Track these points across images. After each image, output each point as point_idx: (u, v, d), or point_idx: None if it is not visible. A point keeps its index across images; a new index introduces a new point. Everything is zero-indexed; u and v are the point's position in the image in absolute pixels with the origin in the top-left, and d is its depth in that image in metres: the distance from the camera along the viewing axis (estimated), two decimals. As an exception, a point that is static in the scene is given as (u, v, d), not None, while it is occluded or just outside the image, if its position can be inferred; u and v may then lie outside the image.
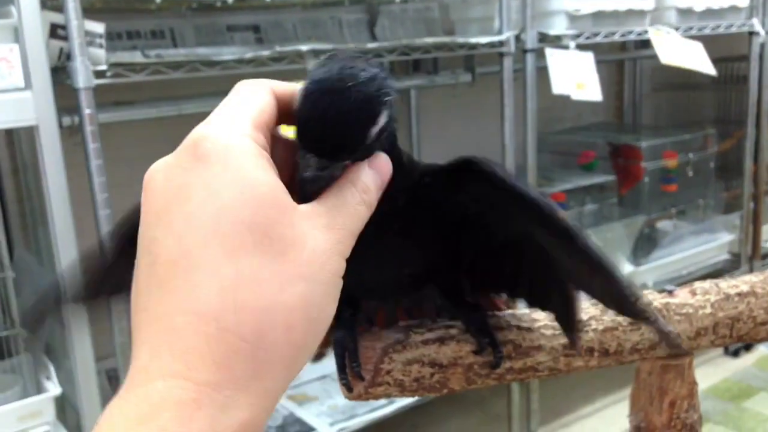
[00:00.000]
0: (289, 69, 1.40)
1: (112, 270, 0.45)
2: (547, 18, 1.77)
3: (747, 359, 2.34)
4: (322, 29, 1.84)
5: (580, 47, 1.74)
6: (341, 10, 1.89)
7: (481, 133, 2.12)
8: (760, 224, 2.44)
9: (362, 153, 0.34)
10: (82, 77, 1.18)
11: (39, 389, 1.31)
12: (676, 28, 1.95)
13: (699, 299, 0.55)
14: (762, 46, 2.22)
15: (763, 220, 2.46)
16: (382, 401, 1.66)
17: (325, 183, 0.33)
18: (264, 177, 0.30)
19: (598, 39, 1.81)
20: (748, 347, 2.37)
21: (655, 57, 1.88)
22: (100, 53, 1.23)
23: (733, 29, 2.13)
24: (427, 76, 2.05)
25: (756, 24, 2.17)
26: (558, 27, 1.76)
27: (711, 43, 2.01)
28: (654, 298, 0.54)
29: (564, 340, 0.49)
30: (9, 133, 1.53)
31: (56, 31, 1.21)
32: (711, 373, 2.20)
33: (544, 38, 1.74)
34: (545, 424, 1.98)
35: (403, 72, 2.05)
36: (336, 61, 0.33)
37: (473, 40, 1.66)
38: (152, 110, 1.53)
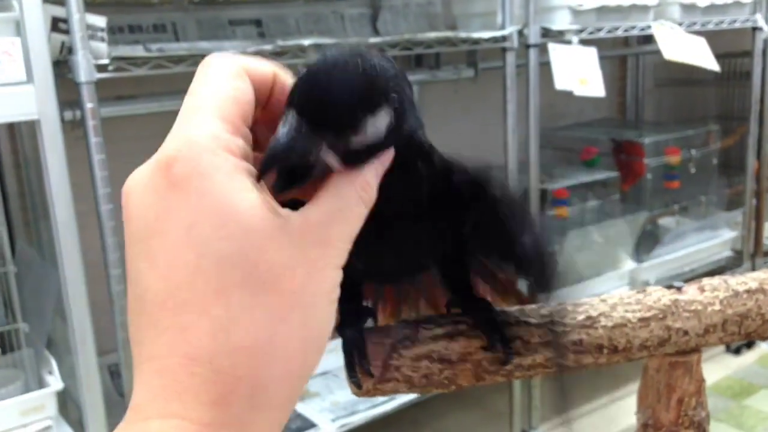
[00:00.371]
0: (292, 63, 1.39)
1: None
2: (550, 13, 1.77)
3: (749, 357, 2.34)
4: (324, 24, 1.84)
5: (583, 42, 1.74)
6: (343, 4, 1.88)
7: (484, 129, 2.11)
8: (762, 221, 2.44)
9: (351, 142, 0.31)
10: (84, 71, 1.18)
11: (41, 384, 1.31)
12: (680, 24, 1.95)
13: (708, 296, 0.55)
14: (765, 41, 2.22)
15: (766, 217, 2.46)
16: (384, 397, 1.66)
17: (297, 151, 0.30)
18: (245, 200, 0.28)
19: (601, 34, 1.81)
20: (749, 345, 2.37)
21: (658, 52, 1.88)
22: (102, 47, 1.22)
23: (737, 25, 2.12)
24: (429, 71, 2.04)
25: (759, 20, 2.17)
26: (561, 22, 1.76)
27: (714, 38, 2.01)
28: (662, 294, 0.54)
29: (573, 336, 0.49)
30: (11, 127, 1.52)
31: (58, 25, 1.20)
32: (713, 370, 2.20)
33: (547, 33, 1.74)
34: (546, 421, 1.98)
35: (406, 67, 2.05)
36: (349, 48, 0.31)
37: (476, 35, 1.66)
38: (154, 104, 1.53)
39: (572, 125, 2.42)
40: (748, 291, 0.56)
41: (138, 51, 1.33)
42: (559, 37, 1.74)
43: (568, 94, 1.70)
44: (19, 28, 1.11)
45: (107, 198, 1.23)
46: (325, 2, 1.86)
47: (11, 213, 1.54)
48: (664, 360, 0.55)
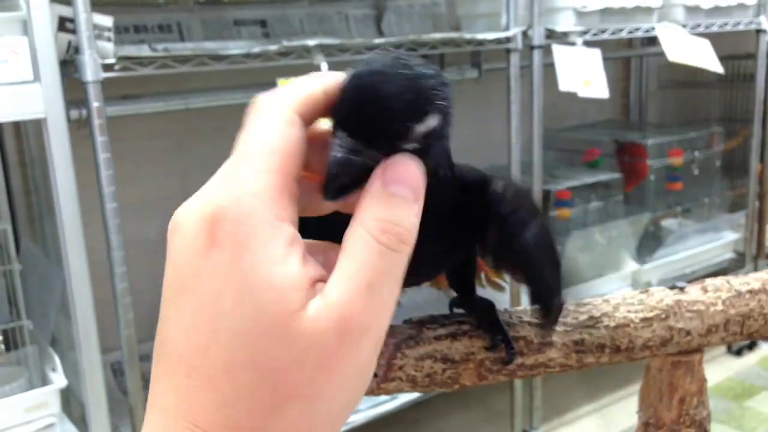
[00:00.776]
0: (296, 64, 1.40)
1: None
2: (555, 14, 1.77)
3: (750, 358, 2.34)
4: (329, 24, 1.84)
5: (587, 44, 1.74)
6: (348, 5, 1.89)
7: (487, 130, 2.12)
8: (765, 223, 2.44)
9: (400, 152, 0.30)
10: (91, 70, 1.18)
11: (45, 381, 1.32)
12: (684, 26, 1.95)
13: (710, 296, 0.55)
14: (769, 44, 2.22)
15: (769, 219, 2.46)
16: (385, 396, 1.66)
17: (355, 170, 0.29)
18: (269, 275, 0.27)
19: (605, 36, 1.81)
20: (751, 346, 2.37)
21: (662, 54, 1.88)
22: (108, 47, 1.23)
23: (741, 27, 2.12)
24: (433, 72, 2.04)
25: (763, 22, 2.17)
26: (565, 23, 1.76)
27: (718, 40, 2.01)
28: (665, 295, 0.54)
29: (576, 336, 0.49)
30: (17, 125, 1.53)
31: (65, 25, 1.21)
32: (715, 371, 2.20)
33: (551, 34, 1.74)
34: (547, 421, 1.98)
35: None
36: (393, 53, 0.31)
37: (480, 36, 1.66)
38: (159, 104, 1.53)
39: (576, 126, 2.42)
40: (750, 291, 0.56)
41: (144, 51, 1.34)
42: (563, 38, 1.74)
43: (571, 96, 1.71)
44: (26, 28, 1.12)
45: (112, 196, 1.23)
46: (329, 3, 1.86)
47: (16, 211, 1.55)
48: (666, 360, 0.56)
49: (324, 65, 1.39)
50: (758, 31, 2.18)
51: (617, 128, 2.42)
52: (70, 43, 1.22)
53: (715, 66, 1.92)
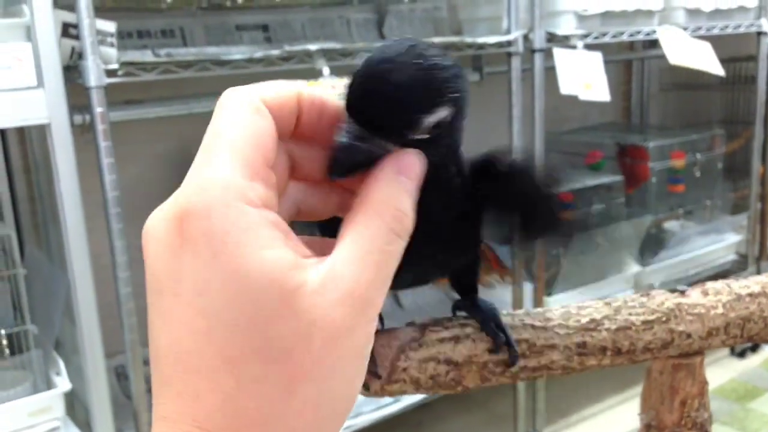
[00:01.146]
0: (298, 68, 1.40)
1: None
2: (556, 18, 1.78)
3: (753, 360, 2.34)
4: (331, 29, 1.85)
5: (588, 47, 1.74)
6: (350, 9, 1.89)
7: (489, 133, 2.11)
8: (767, 225, 2.44)
9: (408, 141, 0.29)
10: (94, 76, 1.19)
11: (49, 385, 1.32)
12: (685, 28, 1.95)
13: (711, 299, 0.55)
14: (770, 46, 2.22)
15: (771, 221, 2.46)
16: (388, 399, 1.66)
17: (358, 157, 0.29)
18: (258, 261, 0.26)
19: (606, 39, 1.81)
20: (754, 348, 2.37)
21: (663, 57, 1.88)
22: (112, 52, 1.23)
23: (742, 29, 2.12)
24: (434, 76, 2.04)
25: (764, 24, 2.17)
26: (566, 27, 1.76)
27: (719, 43, 2.01)
28: (666, 298, 0.55)
29: (578, 338, 0.50)
30: (21, 131, 1.54)
31: (68, 30, 1.21)
32: (717, 373, 2.20)
33: (553, 38, 1.74)
34: (551, 423, 1.98)
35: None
36: (410, 40, 0.30)
37: (481, 39, 1.67)
38: (162, 109, 1.54)
39: (577, 129, 2.42)
40: (750, 294, 0.57)
41: (147, 56, 1.34)
42: (565, 41, 1.74)
43: (573, 99, 1.71)
44: (29, 34, 1.12)
45: (116, 201, 1.24)
46: (331, 7, 1.87)
47: (20, 216, 1.55)
48: (667, 362, 0.56)
49: (326, 70, 1.40)
50: (759, 34, 2.19)
51: (619, 131, 2.42)
52: (73, 48, 1.23)
53: (717, 68, 1.92)
